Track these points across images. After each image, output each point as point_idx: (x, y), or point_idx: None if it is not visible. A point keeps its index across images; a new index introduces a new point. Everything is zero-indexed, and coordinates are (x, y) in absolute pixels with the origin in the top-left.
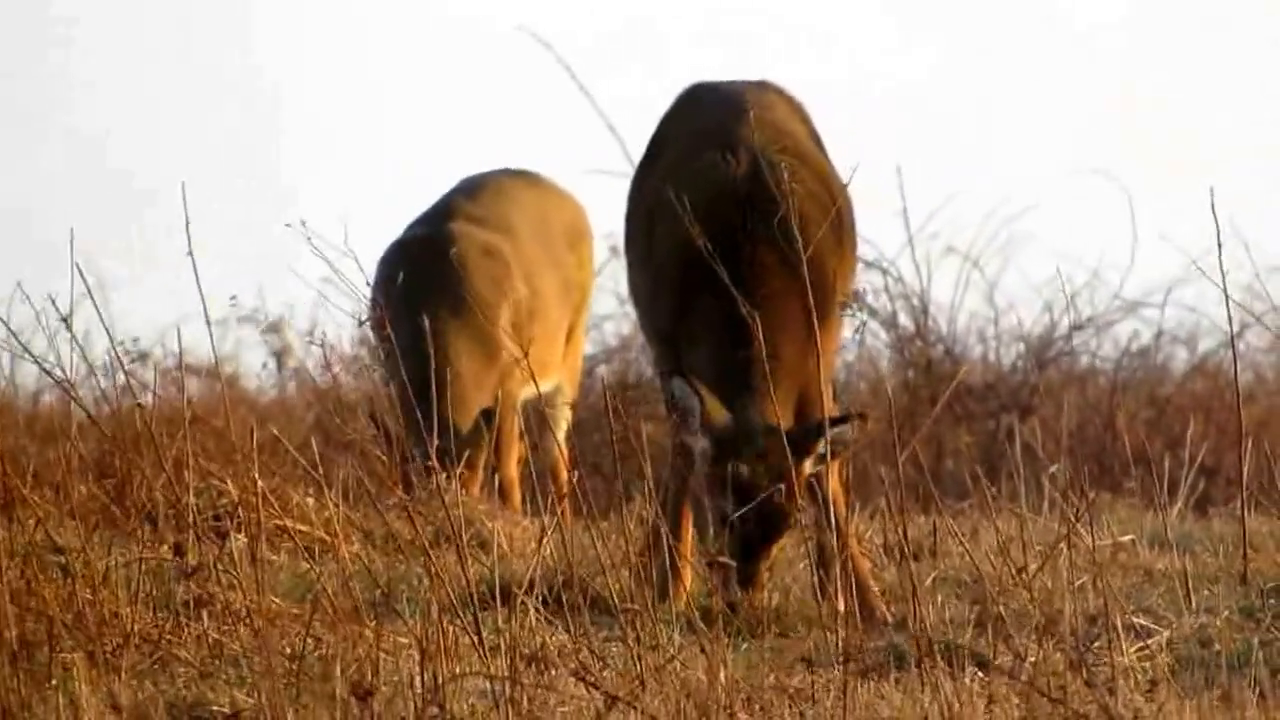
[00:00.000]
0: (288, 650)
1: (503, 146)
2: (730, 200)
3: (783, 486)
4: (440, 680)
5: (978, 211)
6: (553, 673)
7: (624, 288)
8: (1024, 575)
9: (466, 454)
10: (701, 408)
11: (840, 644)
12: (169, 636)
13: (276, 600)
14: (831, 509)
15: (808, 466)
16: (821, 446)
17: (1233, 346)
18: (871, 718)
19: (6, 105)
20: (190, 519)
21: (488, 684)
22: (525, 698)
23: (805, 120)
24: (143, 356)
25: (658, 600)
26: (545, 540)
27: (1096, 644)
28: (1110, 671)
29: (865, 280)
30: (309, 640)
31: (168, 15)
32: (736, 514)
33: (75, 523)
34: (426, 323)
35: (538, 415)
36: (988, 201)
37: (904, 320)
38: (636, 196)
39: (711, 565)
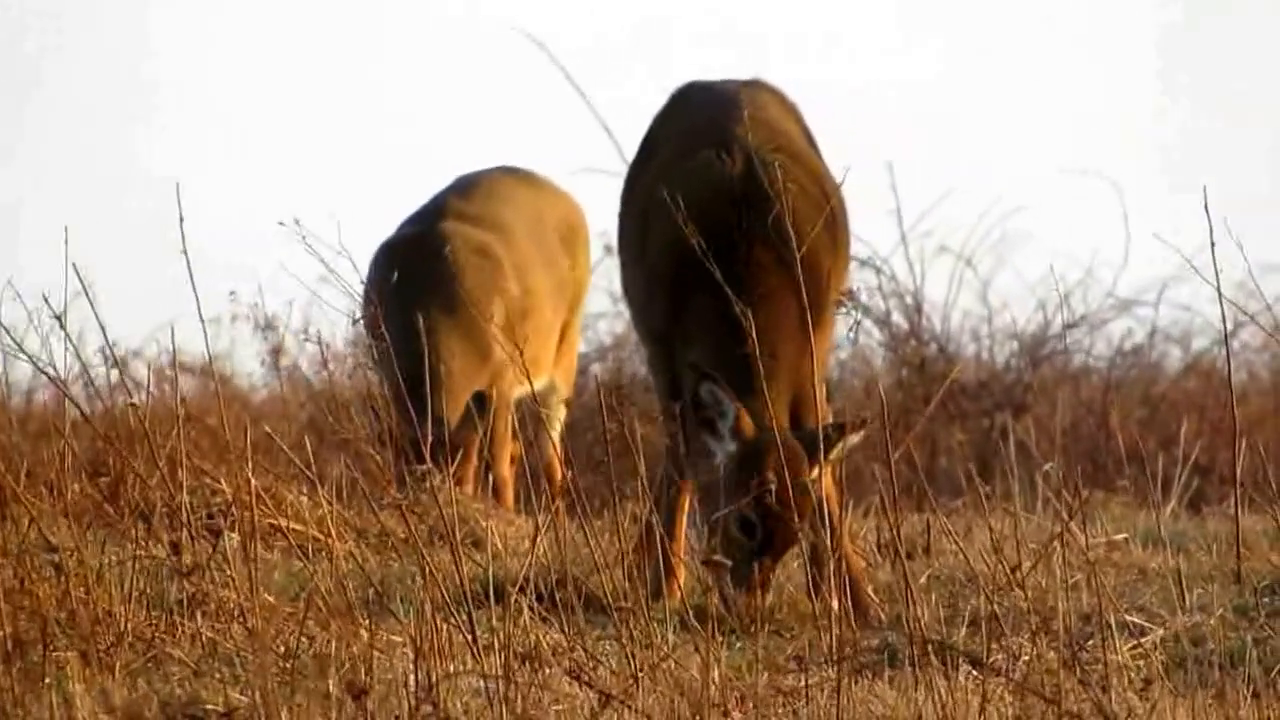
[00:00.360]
0: (282, 649)
1: (499, 145)
2: (726, 199)
3: (797, 496)
4: (434, 679)
5: (971, 210)
6: (547, 671)
7: (617, 286)
8: (1018, 574)
9: (460, 447)
10: (735, 416)
11: (834, 643)
12: (163, 635)
13: (270, 599)
14: (825, 507)
15: (816, 471)
16: (836, 453)
17: (1226, 345)
18: (865, 716)
19: (5, 101)
20: (184, 518)
21: (482, 682)
22: (519, 696)
23: (798, 119)
24: (126, 360)
25: (651, 599)
26: (539, 539)
27: (1090, 642)
28: (1104, 670)
29: (859, 279)
30: (303, 639)
31: (166, 13)
32: (758, 520)
33: (69, 521)
34: (420, 321)
35: (532, 414)
36: (981, 200)
37: (898, 319)
38: (630, 196)
39: (707, 564)
